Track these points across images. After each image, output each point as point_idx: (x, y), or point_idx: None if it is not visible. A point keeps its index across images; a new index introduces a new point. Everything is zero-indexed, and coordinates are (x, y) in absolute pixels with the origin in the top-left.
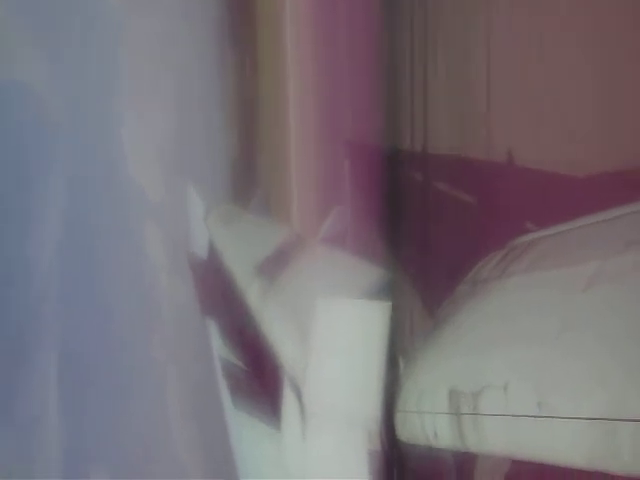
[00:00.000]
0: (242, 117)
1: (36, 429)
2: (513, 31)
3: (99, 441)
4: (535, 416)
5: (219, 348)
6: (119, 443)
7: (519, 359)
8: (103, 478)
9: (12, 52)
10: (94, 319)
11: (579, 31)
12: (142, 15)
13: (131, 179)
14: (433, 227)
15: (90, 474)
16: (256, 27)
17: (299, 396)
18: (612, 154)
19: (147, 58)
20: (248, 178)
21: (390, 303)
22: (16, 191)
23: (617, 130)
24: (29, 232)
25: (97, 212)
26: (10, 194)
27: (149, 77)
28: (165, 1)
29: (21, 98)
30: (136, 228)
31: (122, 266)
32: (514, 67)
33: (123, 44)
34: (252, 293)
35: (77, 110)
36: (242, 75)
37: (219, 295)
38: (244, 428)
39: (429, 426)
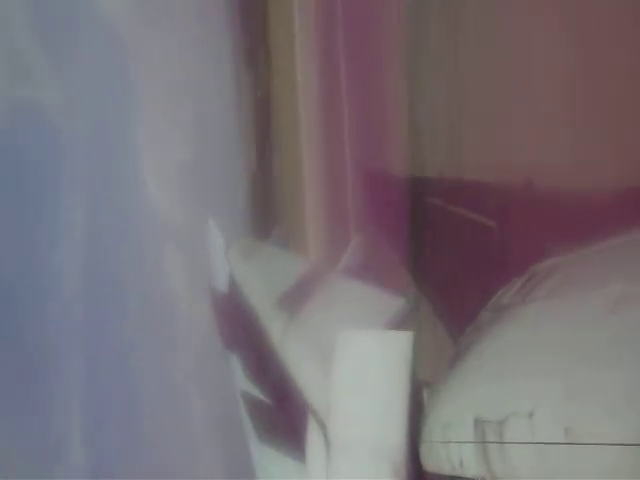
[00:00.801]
0: (260, 147)
1: (59, 449)
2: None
3: (120, 457)
4: (562, 443)
5: (242, 382)
6: (141, 464)
7: (544, 386)
8: None
9: (28, 70)
10: (116, 335)
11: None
12: (157, 34)
13: (150, 202)
14: (455, 254)
15: None
16: (271, 53)
17: (323, 430)
18: (628, 173)
19: (163, 80)
20: (267, 211)
21: (413, 333)
22: (33, 222)
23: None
24: (48, 262)
25: (115, 237)
26: (26, 215)
27: (165, 99)
28: (180, 20)
29: (36, 114)
30: (155, 251)
31: (142, 289)
32: (533, 91)
33: (139, 65)
34: (274, 327)
35: (94, 132)
36: (257, 99)
37: (241, 329)
38: (269, 462)
39: (455, 456)
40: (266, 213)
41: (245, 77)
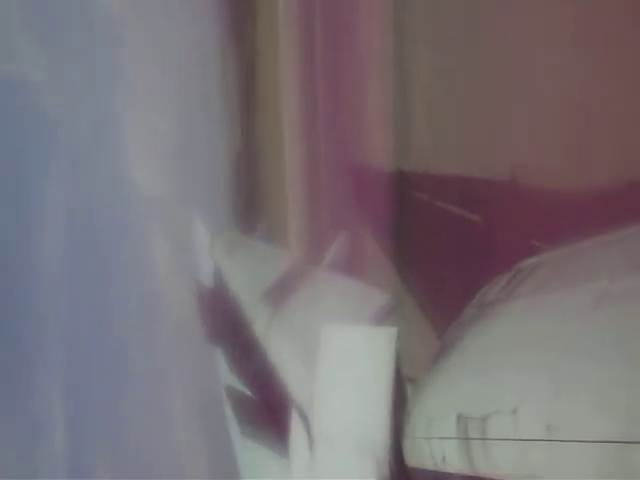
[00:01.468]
0: (245, 125)
1: (40, 433)
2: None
3: (102, 445)
4: (544, 440)
5: (226, 376)
6: (122, 448)
7: (527, 383)
8: (107, 474)
9: (14, 50)
10: (98, 317)
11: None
12: (143, 13)
13: (134, 183)
14: (439, 249)
15: (94, 471)
16: (256, 28)
17: (306, 423)
18: (618, 167)
19: (148, 58)
20: (252, 195)
21: (397, 328)
22: (18, 194)
23: (623, 143)
24: (32, 236)
25: (99, 215)
26: (12, 198)
27: (150, 77)
28: (169, 7)
29: (22, 96)
30: (139, 233)
31: (125, 270)
32: (521, 87)
33: (124, 43)
34: (258, 321)
35: (78, 110)
36: (242, 75)
37: (225, 323)
38: (252, 455)
39: (437, 451)
40: (251, 197)
41: (230, 56)
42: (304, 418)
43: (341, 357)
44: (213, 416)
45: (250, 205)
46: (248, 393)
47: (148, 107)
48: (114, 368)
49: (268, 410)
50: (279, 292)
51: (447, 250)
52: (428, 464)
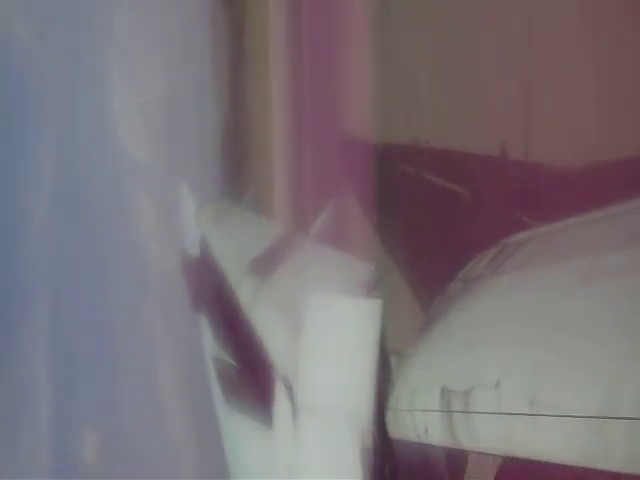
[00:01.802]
0: (233, 86)
1: (26, 386)
2: (509, 23)
3: (89, 400)
4: (527, 414)
5: (211, 345)
6: (109, 403)
7: (510, 358)
8: (92, 440)
9: (3, 13)
10: (84, 278)
11: (576, 25)
12: None
13: (121, 141)
14: (426, 222)
15: (79, 432)
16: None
17: (291, 394)
18: (609, 145)
19: (137, 22)
20: (239, 174)
21: (382, 300)
22: (8, 150)
23: (613, 121)
24: (19, 196)
25: (86, 175)
26: (1, 154)
27: (139, 36)
28: None
29: (9, 58)
30: (126, 189)
31: (112, 228)
32: (509, 59)
33: (113, 7)
34: (244, 291)
35: (66, 74)
36: (232, 35)
37: (211, 293)
38: (236, 425)
39: (420, 423)
40: (238, 166)
41: (220, 19)
42: (289, 388)
43: (326, 328)
44: (198, 385)
45: (237, 173)
46: (233, 363)
47: (136, 71)
48: (100, 333)
49: (253, 380)
50: (266, 262)
51: (434, 223)
52: (411, 436)
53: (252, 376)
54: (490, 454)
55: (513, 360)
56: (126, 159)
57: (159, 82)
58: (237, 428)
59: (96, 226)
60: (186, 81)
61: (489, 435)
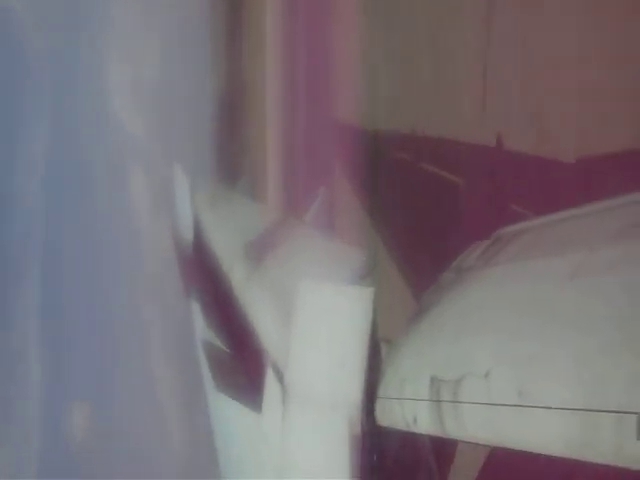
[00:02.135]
0: (230, 63)
1: (17, 363)
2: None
3: (80, 377)
4: (515, 405)
5: (202, 330)
6: (100, 380)
7: (501, 348)
8: (83, 413)
9: None
10: (77, 254)
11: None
12: None
13: (116, 118)
14: (420, 210)
15: (70, 409)
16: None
17: (281, 379)
18: (607, 138)
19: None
20: (234, 160)
21: (373, 288)
22: (2, 126)
23: (609, 115)
24: (14, 167)
25: (80, 150)
26: None
27: (136, 16)
28: None
29: (6, 30)
30: (120, 167)
31: (106, 204)
32: (507, 51)
33: None
34: (236, 276)
35: (62, 46)
36: (229, 13)
37: (204, 276)
38: (225, 409)
39: (409, 412)
40: (234, 150)
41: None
42: (279, 374)
43: (317, 315)
44: (189, 367)
45: (233, 157)
46: (223, 347)
47: (133, 47)
48: (93, 308)
49: (243, 365)
50: (258, 247)
51: (427, 212)
52: (400, 425)
53: (243, 361)
54: (478, 444)
55: (503, 350)
56: (122, 136)
57: (156, 61)
58: (226, 413)
59: (90, 204)
60: (183, 61)
61: (477, 425)
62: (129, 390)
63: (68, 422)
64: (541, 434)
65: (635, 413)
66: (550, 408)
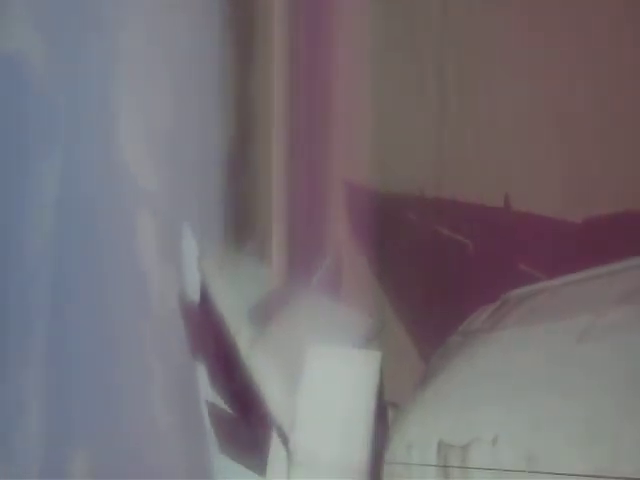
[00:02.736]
0: (238, 120)
1: (19, 413)
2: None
3: (81, 427)
4: (523, 471)
5: (207, 392)
6: (101, 431)
7: (509, 413)
8: (83, 463)
9: (14, 29)
10: (83, 306)
11: (584, 79)
12: (145, 2)
13: (126, 166)
14: (428, 272)
15: (71, 458)
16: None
17: (286, 443)
18: (614, 199)
19: (147, 45)
20: (243, 220)
21: (380, 352)
22: (12, 173)
23: (614, 175)
24: (24, 215)
25: (90, 196)
26: (6, 176)
27: (147, 61)
28: None
29: (20, 75)
30: (129, 215)
31: (114, 253)
32: (511, 114)
33: (123, 29)
34: (243, 339)
35: (75, 94)
36: (240, 69)
37: (210, 338)
38: (230, 474)
39: (417, 478)
40: (242, 211)
41: (229, 47)
42: (284, 439)
43: (324, 379)
44: (193, 430)
45: (241, 219)
46: (229, 410)
47: (143, 97)
48: (97, 361)
49: (248, 429)
50: (265, 311)
51: (435, 273)
52: None
53: (248, 425)
54: None
55: (511, 416)
56: (130, 184)
57: (165, 111)
58: (230, 476)
59: (98, 250)
60: (191, 111)
61: None
62: (131, 439)
63: (69, 471)
64: None
65: None
66: (559, 474)
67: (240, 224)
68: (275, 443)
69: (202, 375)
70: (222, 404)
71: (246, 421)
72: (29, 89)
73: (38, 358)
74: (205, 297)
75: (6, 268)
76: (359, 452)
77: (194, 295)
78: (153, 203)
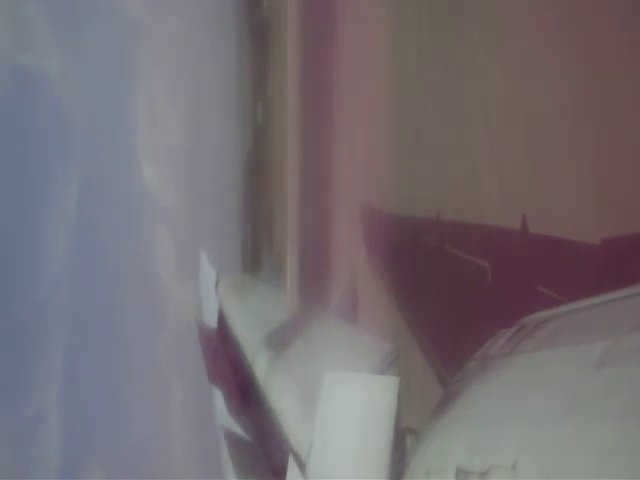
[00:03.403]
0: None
1: (37, 428)
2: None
3: (98, 442)
4: None
5: (224, 418)
6: (118, 446)
7: (528, 438)
8: (100, 478)
9: (32, 41)
10: (100, 322)
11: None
12: (161, 18)
13: (143, 183)
14: (447, 296)
15: (88, 474)
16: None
17: (303, 470)
18: (629, 219)
19: (165, 62)
20: (261, 247)
21: (398, 378)
22: (29, 191)
23: (633, 196)
24: (40, 232)
25: (108, 214)
26: (23, 194)
27: (167, 81)
28: (185, 7)
29: (38, 87)
30: (146, 232)
31: (131, 270)
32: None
33: (142, 43)
34: (260, 364)
35: (93, 110)
36: (256, 87)
37: (227, 364)
38: None
39: None
40: (259, 237)
41: (247, 64)
42: (301, 465)
43: (341, 405)
44: (209, 454)
45: (258, 246)
46: (245, 436)
47: (161, 102)
48: (112, 380)
49: (264, 454)
50: (282, 337)
51: (453, 297)
52: None
53: (264, 450)
54: None
55: (529, 442)
56: (148, 201)
57: (183, 127)
58: None
59: (115, 268)
60: (209, 128)
61: None
62: (147, 457)
63: None
64: None
65: None
66: None
67: (256, 248)
68: (292, 469)
69: (219, 400)
70: (239, 430)
71: (263, 447)
72: (46, 105)
73: (56, 374)
74: (222, 323)
75: (25, 286)
76: (376, 479)
77: (211, 321)
78: (171, 220)
